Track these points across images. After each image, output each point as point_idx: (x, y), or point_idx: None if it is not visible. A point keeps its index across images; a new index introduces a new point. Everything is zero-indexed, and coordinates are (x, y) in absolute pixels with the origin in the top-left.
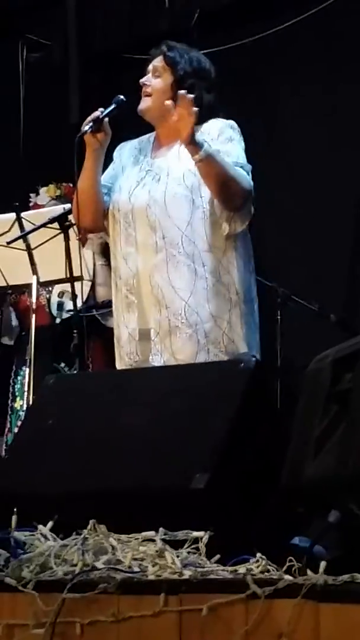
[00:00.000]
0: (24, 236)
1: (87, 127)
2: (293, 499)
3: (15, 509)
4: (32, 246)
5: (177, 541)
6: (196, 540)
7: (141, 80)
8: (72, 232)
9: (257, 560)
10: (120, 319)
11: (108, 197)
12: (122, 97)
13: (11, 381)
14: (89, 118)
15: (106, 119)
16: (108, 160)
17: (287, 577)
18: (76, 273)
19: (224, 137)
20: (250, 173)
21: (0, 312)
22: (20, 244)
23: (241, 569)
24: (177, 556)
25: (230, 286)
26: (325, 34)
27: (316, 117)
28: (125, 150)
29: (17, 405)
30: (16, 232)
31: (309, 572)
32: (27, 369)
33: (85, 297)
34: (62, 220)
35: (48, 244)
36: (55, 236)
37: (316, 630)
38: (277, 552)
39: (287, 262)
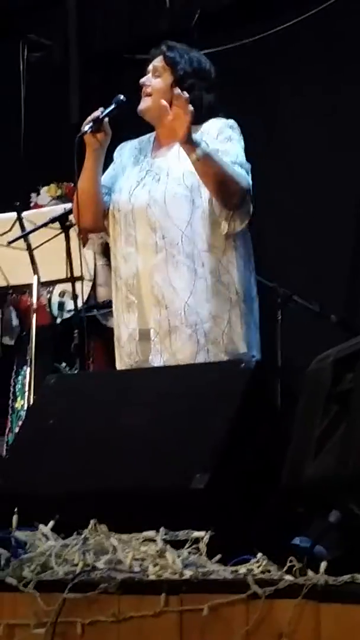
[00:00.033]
0: (24, 236)
1: (87, 127)
2: (293, 499)
3: (16, 509)
4: (33, 246)
5: (178, 541)
6: (197, 540)
7: (141, 80)
8: (73, 232)
9: (258, 561)
10: (121, 319)
11: (108, 197)
12: (122, 97)
13: (12, 381)
14: (89, 118)
15: (106, 119)
16: (108, 160)
17: (288, 577)
18: (77, 273)
19: (223, 137)
20: (249, 172)
21: (1, 312)
22: (21, 243)
23: (242, 569)
24: (178, 556)
25: (230, 286)
26: (326, 35)
27: (316, 117)
28: (125, 151)
29: (17, 405)
30: (17, 231)
31: (309, 572)
32: (28, 369)
33: (86, 297)
34: (62, 220)
35: (49, 244)
36: (56, 236)
37: (317, 630)
38: (278, 552)
39: (287, 262)
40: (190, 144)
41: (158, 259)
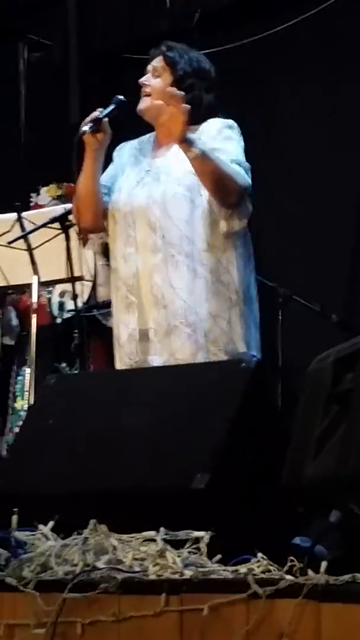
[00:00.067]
0: (24, 236)
1: (86, 128)
2: (293, 499)
3: (16, 509)
4: (33, 246)
5: (178, 541)
6: (197, 540)
7: (140, 80)
8: (73, 232)
9: (258, 560)
10: (120, 319)
11: (108, 198)
12: (121, 97)
13: (11, 381)
14: (88, 118)
15: (105, 119)
16: (108, 160)
17: (288, 577)
18: (77, 273)
19: (222, 136)
20: (249, 171)
21: (0, 312)
22: (21, 243)
23: (242, 569)
24: (178, 556)
25: (230, 285)
26: (326, 35)
27: (316, 117)
28: (125, 151)
29: (17, 405)
30: (17, 231)
31: (310, 572)
32: (28, 369)
33: (86, 297)
34: (62, 220)
35: (49, 244)
36: (56, 236)
37: (317, 630)
38: (278, 552)
39: (287, 262)
40: (186, 142)
41: (158, 259)
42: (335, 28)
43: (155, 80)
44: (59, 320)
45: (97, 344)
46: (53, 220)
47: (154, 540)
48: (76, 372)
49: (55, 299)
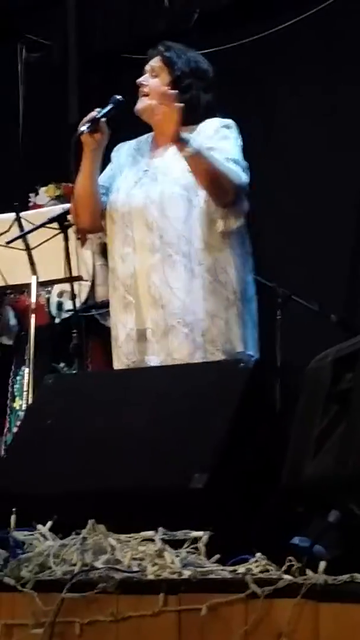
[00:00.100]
0: (23, 236)
1: (84, 128)
2: (292, 498)
3: (14, 509)
4: (32, 246)
5: (177, 541)
6: (195, 540)
7: (138, 80)
8: (72, 232)
9: (257, 560)
10: (118, 319)
11: (106, 198)
12: (119, 97)
13: (10, 381)
14: (86, 118)
15: (103, 119)
16: (106, 161)
17: (287, 576)
18: (75, 273)
19: (219, 135)
20: (246, 170)
21: None
22: (19, 243)
23: (241, 569)
24: (177, 556)
25: (228, 285)
26: (325, 34)
27: (315, 117)
28: (123, 151)
29: (16, 405)
30: (15, 232)
31: (308, 571)
32: (27, 369)
33: (85, 297)
34: (61, 220)
35: (47, 244)
36: (54, 236)
37: (316, 630)
38: (277, 552)
39: (287, 262)
40: (181, 141)
41: (155, 259)
42: (334, 28)
43: (153, 80)
44: (57, 320)
45: (95, 343)
46: (51, 220)
47: (152, 540)
48: (74, 372)
49: (54, 299)
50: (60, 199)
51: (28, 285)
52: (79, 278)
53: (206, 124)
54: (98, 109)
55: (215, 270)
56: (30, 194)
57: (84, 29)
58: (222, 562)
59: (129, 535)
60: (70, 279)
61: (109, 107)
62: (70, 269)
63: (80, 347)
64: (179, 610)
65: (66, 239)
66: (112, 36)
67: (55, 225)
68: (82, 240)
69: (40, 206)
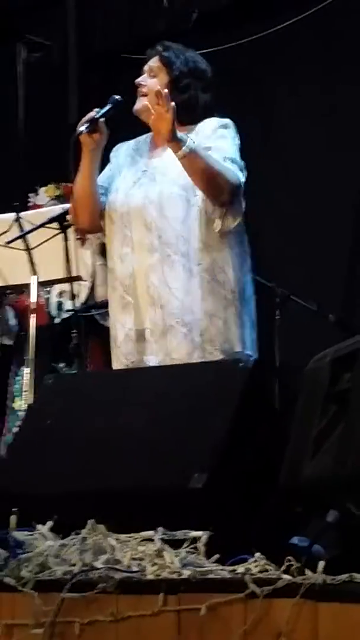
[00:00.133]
0: (23, 236)
1: (82, 128)
2: (291, 498)
3: (14, 509)
4: (31, 246)
5: (176, 541)
6: (195, 539)
7: (137, 80)
8: (71, 232)
9: (256, 560)
10: (117, 319)
11: (105, 198)
12: (117, 97)
13: (10, 381)
14: (85, 118)
15: (102, 119)
16: (105, 161)
17: (286, 576)
18: (75, 273)
19: (216, 135)
20: (243, 169)
21: None
22: (19, 243)
23: (240, 569)
24: (176, 556)
25: (226, 285)
26: (324, 34)
27: (314, 117)
28: (121, 151)
29: (16, 405)
30: (15, 232)
31: (307, 571)
32: (27, 369)
33: (84, 297)
34: (61, 220)
35: (47, 244)
36: (54, 236)
37: (315, 629)
38: (276, 552)
39: (285, 262)
40: (175, 141)
41: (154, 259)
42: (334, 28)
43: (151, 80)
44: (57, 320)
45: (95, 343)
46: (51, 220)
47: (151, 540)
48: (74, 372)
49: (54, 299)
50: (59, 199)
51: (28, 285)
52: (78, 278)
53: (204, 124)
54: (97, 109)
55: (213, 270)
56: (30, 194)
57: (84, 29)
58: (222, 562)
59: (128, 535)
60: (70, 279)
61: (107, 107)
62: (69, 269)
63: (79, 347)
64: (178, 610)
65: (66, 239)
66: (112, 36)
67: (55, 225)
68: (82, 240)
69: (40, 206)
